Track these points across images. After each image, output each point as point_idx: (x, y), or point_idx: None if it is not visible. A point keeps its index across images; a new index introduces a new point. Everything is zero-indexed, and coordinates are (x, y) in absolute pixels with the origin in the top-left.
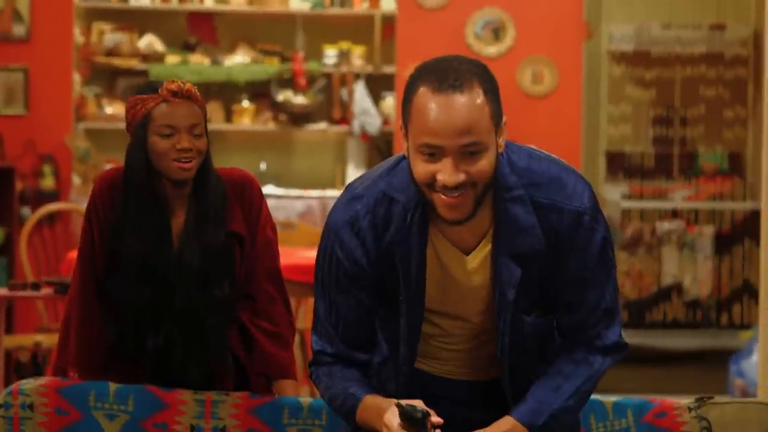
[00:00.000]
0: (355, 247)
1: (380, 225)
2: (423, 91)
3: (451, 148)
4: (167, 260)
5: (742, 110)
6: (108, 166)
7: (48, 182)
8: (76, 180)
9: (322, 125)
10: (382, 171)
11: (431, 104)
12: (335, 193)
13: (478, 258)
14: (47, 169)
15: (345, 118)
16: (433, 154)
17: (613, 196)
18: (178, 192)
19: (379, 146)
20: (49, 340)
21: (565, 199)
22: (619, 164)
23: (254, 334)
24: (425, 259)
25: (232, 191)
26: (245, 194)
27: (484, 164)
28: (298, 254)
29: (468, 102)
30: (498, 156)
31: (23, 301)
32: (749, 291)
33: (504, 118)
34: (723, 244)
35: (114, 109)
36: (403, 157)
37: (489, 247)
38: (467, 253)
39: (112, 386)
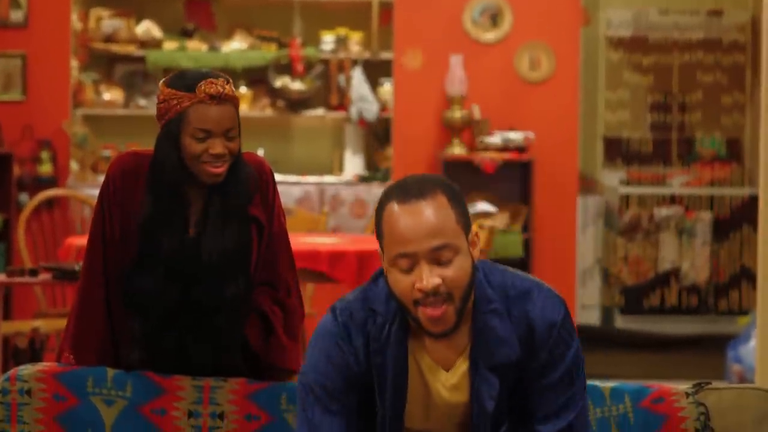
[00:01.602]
0: (342, 358)
1: (364, 337)
2: (390, 206)
3: (422, 252)
4: (193, 257)
5: (740, 96)
6: (106, 152)
7: (46, 168)
8: (73, 166)
9: (319, 111)
10: (362, 287)
11: (398, 215)
12: (333, 179)
13: (458, 374)
14: (45, 154)
15: (342, 105)
16: (409, 266)
17: (611, 181)
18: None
19: (376, 132)
20: (47, 325)
21: (538, 312)
22: (617, 150)
23: (274, 323)
24: (404, 374)
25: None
26: (263, 179)
27: (458, 269)
28: (296, 240)
29: (432, 206)
30: (474, 267)
31: (21, 287)
32: (747, 276)
33: (475, 230)
34: (721, 229)
35: (112, 95)
36: (383, 272)
37: (467, 363)
38: (447, 370)
39: (110, 372)
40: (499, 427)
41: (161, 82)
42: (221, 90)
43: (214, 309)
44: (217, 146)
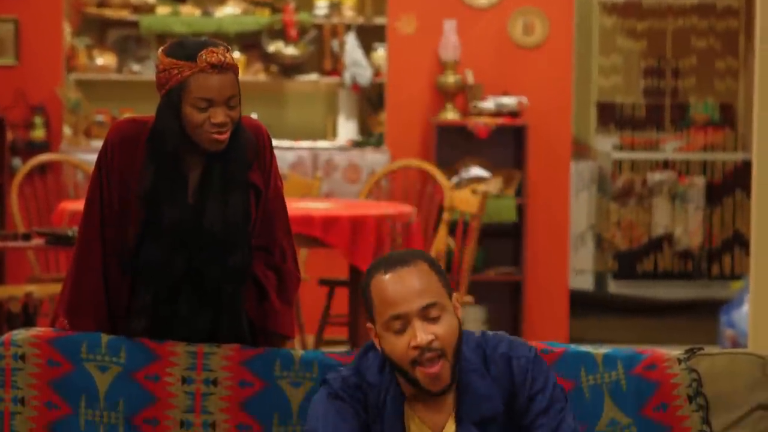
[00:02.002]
0: (345, 411)
1: (359, 402)
2: (377, 277)
3: (413, 312)
4: (194, 226)
5: (734, 61)
6: (99, 117)
7: (39, 133)
8: (66, 131)
9: (313, 76)
10: (352, 363)
11: (387, 282)
12: (326, 144)
13: None
14: (38, 120)
15: (336, 70)
16: (401, 326)
17: (605, 147)
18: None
19: (369, 97)
20: (40, 290)
21: (514, 352)
22: (610, 115)
23: (267, 288)
24: None
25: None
26: (260, 144)
27: (448, 326)
28: (289, 205)
29: (416, 271)
30: (460, 328)
31: (14, 252)
32: (740, 241)
33: (456, 298)
34: (714, 194)
35: (105, 60)
36: (371, 346)
37: (455, 424)
38: None
39: (104, 337)
40: None
41: (160, 50)
42: (222, 59)
43: (218, 278)
44: (219, 115)
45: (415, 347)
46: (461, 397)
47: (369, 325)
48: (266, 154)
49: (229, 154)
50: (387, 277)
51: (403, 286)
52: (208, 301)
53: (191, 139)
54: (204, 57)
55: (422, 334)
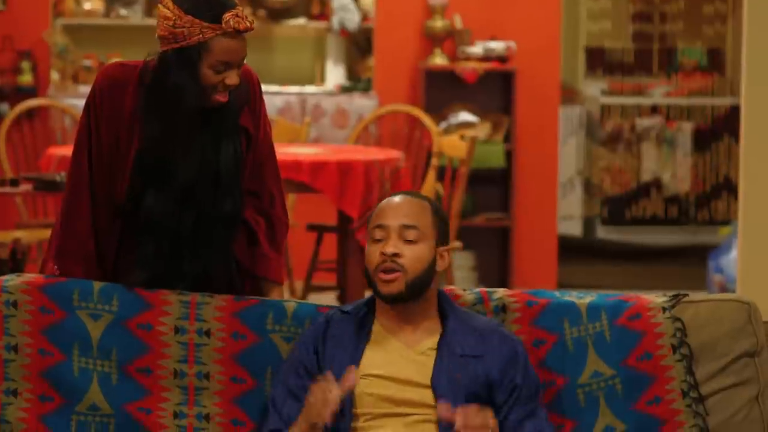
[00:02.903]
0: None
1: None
2: (386, 199)
3: (394, 226)
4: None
5: (722, 6)
6: (87, 62)
7: (26, 78)
8: (54, 76)
9: (300, 21)
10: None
11: (388, 200)
12: (314, 89)
13: (420, 350)
14: (25, 65)
15: (324, 14)
16: (381, 236)
17: (593, 91)
18: None
19: (358, 42)
20: (28, 236)
21: (502, 327)
22: (598, 60)
23: (257, 233)
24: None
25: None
26: (251, 90)
27: (418, 253)
28: (278, 150)
29: (417, 201)
30: (433, 268)
31: (1, 198)
32: (728, 187)
33: (447, 248)
34: (702, 140)
35: (92, 4)
36: None
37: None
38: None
39: (96, 285)
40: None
41: (169, 0)
42: (247, 24)
43: (212, 223)
44: (233, 77)
45: (382, 254)
46: (449, 327)
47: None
48: (256, 99)
49: (226, 108)
50: (392, 197)
51: (397, 204)
52: (203, 246)
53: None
54: (231, 23)
55: (392, 245)
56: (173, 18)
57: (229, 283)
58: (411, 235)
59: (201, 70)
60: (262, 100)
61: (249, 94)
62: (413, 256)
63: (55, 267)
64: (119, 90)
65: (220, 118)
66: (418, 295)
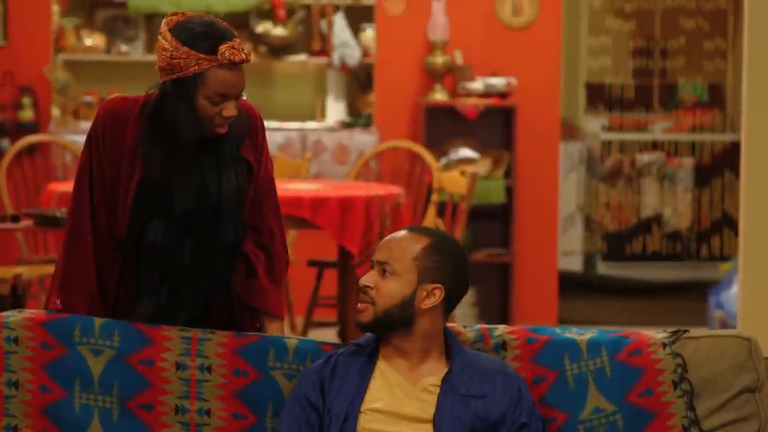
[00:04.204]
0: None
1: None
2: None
3: (376, 262)
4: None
5: (722, 42)
6: (88, 98)
7: (27, 114)
8: (55, 112)
9: (301, 57)
10: None
11: (390, 234)
12: (315, 125)
13: (424, 387)
14: (26, 100)
15: (324, 50)
16: (372, 267)
17: (593, 127)
18: None
19: (358, 78)
20: (29, 272)
21: (506, 367)
22: (599, 96)
23: (255, 265)
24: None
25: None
26: (252, 124)
27: (390, 288)
28: (278, 186)
29: (412, 237)
30: (408, 305)
31: (2, 234)
32: (729, 223)
33: (435, 287)
34: (703, 175)
35: (93, 40)
36: None
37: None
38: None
39: (97, 321)
40: None
41: (167, 31)
42: (243, 56)
43: (213, 252)
44: (231, 109)
45: (359, 283)
46: (452, 366)
47: None
48: (258, 134)
49: (227, 133)
50: (398, 231)
51: (388, 238)
52: (203, 278)
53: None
54: (226, 54)
55: (366, 277)
56: (170, 49)
57: (229, 314)
58: (386, 269)
59: (197, 101)
60: (264, 136)
61: (251, 127)
62: (383, 290)
63: (59, 301)
64: (121, 123)
65: (220, 147)
66: (391, 328)
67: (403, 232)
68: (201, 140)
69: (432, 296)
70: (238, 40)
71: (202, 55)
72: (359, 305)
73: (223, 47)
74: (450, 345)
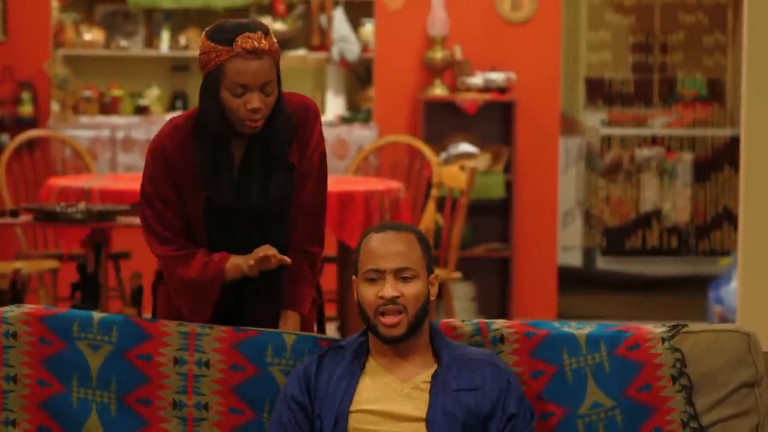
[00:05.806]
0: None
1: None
2: (369, 236)
3: (389, 269)
4: (240, 206)
5: (722, 36)
6: (87, 93)
7: (26, 109)
8: (54, 107)
9: (301, 52)
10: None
11: (375, 240)
12: None
13: (414, 384)
14: (26, 95)
15: (324, 45)
16: (375, 279)
17: (593, 122)
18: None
19: (358, 73)
20: (28, 267)
21: (494, 358)
22: (598, 91)
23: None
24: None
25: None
26: (300, 122)
27: (416, 290)
28: None
29: (403, 236)
30: (428, 301)
31: (2, 229)
32: (728, 217)
33: (435, 275)
34: (702, 170)
35: (93, 35)
36: None
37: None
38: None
39: (96, 316)
40: None
41: (204, 32)
42: (257, 45)
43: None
44: (254, 101)
45: (381, 297)
46: (443, 361)
47: (354, 278)
48: (306, 130)
49: (270, 135)
50: (377, 235)
51: (387, 245)
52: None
53: (231, 122)
54: (240, 42)
55: (390, 288)
56: (201, 47)
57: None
58: (406, 275)
59: (221, 93)
60: (312, 130)
61: (297, 127)
62: (411, 295)
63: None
64: (179, 149)
65: (267, 151)
66: (418, 331)
67: (392, 234)
68: (247, 141)
69: (434, 286)
70: (260, 33)
71: (221, 47)
72: (389, 319)
73: (239, 37)
74: (435, 338)
